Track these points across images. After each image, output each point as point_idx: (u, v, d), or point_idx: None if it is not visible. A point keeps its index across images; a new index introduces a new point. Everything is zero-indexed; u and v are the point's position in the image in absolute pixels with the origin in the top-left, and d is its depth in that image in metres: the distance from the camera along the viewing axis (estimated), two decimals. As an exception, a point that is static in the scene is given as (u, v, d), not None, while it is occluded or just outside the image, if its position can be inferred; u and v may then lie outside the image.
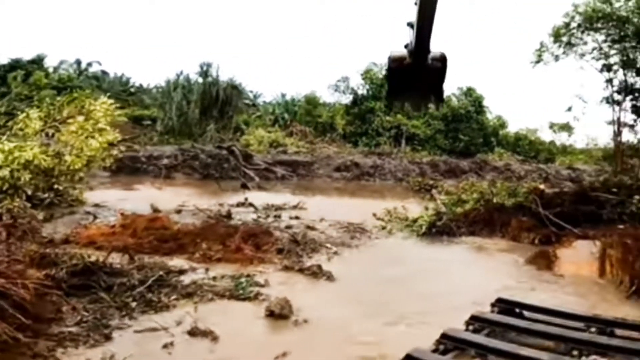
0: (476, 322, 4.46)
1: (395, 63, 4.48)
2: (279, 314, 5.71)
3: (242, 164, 21.25)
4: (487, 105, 33.75)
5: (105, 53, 66.63)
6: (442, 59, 4.69)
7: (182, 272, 6.98)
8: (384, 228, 11.61)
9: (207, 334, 5.01)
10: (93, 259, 6.37)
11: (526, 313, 4.81)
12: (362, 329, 5.47)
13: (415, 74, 4.57)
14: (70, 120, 12.24)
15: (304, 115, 34.21)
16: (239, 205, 13.57)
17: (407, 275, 7.94)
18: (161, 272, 6.45)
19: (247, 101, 37.30)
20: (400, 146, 29.50)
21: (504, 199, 12.15)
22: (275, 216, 12.20)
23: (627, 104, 13.73)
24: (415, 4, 3.82)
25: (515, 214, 11.47)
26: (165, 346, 4.81)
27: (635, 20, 14.59)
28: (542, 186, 12.73)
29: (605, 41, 15.28)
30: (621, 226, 9.39)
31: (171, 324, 5.28)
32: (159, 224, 8.68)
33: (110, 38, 57.10)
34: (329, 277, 7.54)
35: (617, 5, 15.80)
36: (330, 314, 6.00)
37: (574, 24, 16.45)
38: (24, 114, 12.26)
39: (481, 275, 8.41)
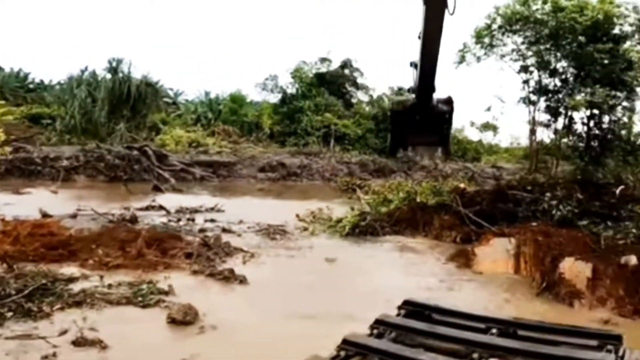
0: (381, 325, 4.56)
1: (398, 106, 4.48)
2: (182, 321, 5.62)
3: (156, 165, 20.54)
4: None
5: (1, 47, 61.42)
6: (449, 102, 4.73)
7: (71, 280, 6.66)
8: (306, 229, 11.77)
9: (95, 344, 4.82)
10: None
11: (434, 315, 5.01)
12: (269, 333, 5.55)
13: (421, 117, 4.55)
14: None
15: (228, 114, 34.06)
16: (148, 208, 13.12)
17: (325, 276, 8.17)
18: (44, 281, 6.05)
19: (166, 99, 36.38)
20: (329, 146, 30.10)
21: (428, 198, 12.79)
22: (188, 219, 11.97)
23: (542, 104, 15.08)
24: (419, 37, 3.80)
25: (437, 212, 12.11)
26: (45, 357, 4.58)
27: (551, 23, 16.03)
28: (462, 185, 13.54)
29: (523, 43, 16.63)
30: (534, 223, 10.21)
31: (54, 333, 5.02)
32: (46, 230, 8.14)
33: (9, 31, 52.87)
34: (242, 281, 7.56)
35: (534, 8, 17.31)
36: (239, 318, 6.03)
37: (495, 26, 17.77)
38: None
39: (402, 274, 8.80)
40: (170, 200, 14.44)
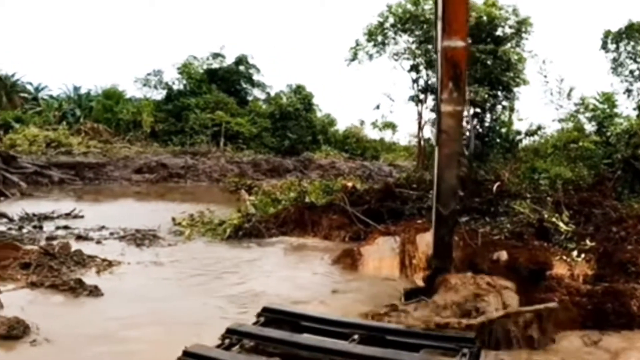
0: (234, 335, 4.34)
1: None
2: (6, 335, 5.13)
3: (2, 168, 18.37)
4: (317, 104, 35.95)
5: None
6: None
7: None
8: (181, 233, 11.14)
9: None
10: None
11: (296, 322, 4.87)
12: (111, 345, 5.21)
13: None
14: None
15: (101, 111, 32.21)
16: (-19, 216, 11.57)
17: (190, 283, 7.75)
18: None
19: (23, 94, 33.34)
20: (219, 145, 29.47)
21: (319, 197, 12.78)
22: (35, 227, 10.73)
23: (430, 102, 15.90)
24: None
25: (326, 212, 12.14)
26: None
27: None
28: (350, 183, 13.76)
29: (413, 42, 17.41)
30: (419, 221, 10.58)
31: None
32: None
33: None
34: (92, 291, 6.94)
35: (426, 7, 18.23)
36: (83, 331, 5.57)
37: (387, 24, 18.44)
38: None
39: (282, 277, 8.58)
40: (18, 206, 12.98)
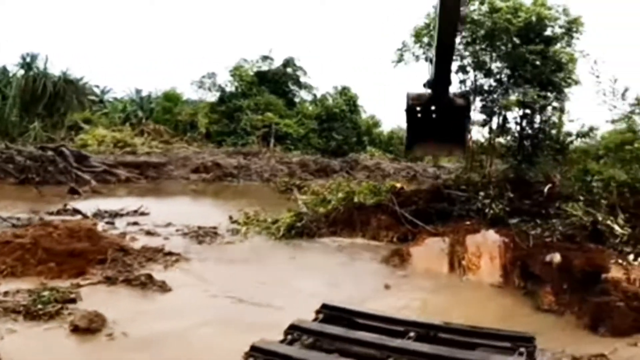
0: (295, 331, 4.54)
1: (414, 101, 4.42)
2: (86, 329, 5.45)
3: (74, 167, 19.58)
4: (362, 105, 36.08)
5: None
6: (466, 96, 4.73)
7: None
8: (238, 231, 11.60)
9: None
10: None
11: (353, 319, 5.00)
12: (185, 341, 5.46)
13: (437, 111, 4.54)
14: None
15: (161, 113, 33.46)
16: (59, 212, 12.45)
17: (252, 281, 8.07)
18: None
19: (91, 97, 35.10)
20: (270, 146, 30.06)
21: (367, 197, 12.96)
22: (107, 222, 11.45)
23: (478, 104, 15.69)
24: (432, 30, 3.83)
25: (375, 212, 12.32)
26: None
27: (487, 24, 16.74)
28: (398, 184, 13.88)
29: (460, 43, 17.23)
30: (468, 222, 10.62)
31: None
32: None
33: None
34: (161, 286, 7.36)
35: (472, 8, 18.01)
36: (154, 326, 5.89)
37: (433, 25, 18.31)
38: None
39: (335, 276, 8.85)
40: (90, 203, 13.85)
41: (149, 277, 7.52)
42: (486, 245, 9.37)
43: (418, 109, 4.76)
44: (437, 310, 7.36)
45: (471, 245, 9.55)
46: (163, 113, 33.34)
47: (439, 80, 4.48)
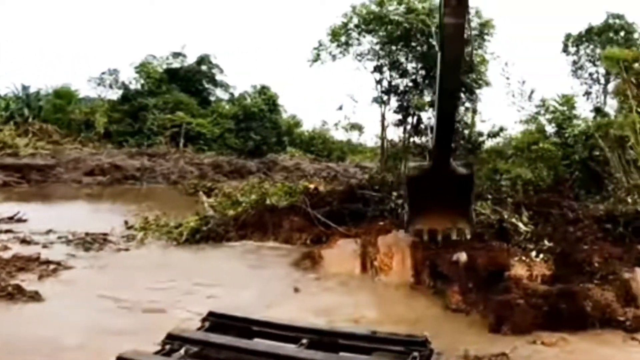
0: (175, 340, 4.08)
1: (414, 171, 3.88)
2: None
3: None
4: (282, 104, 35.62)
5: None
6: (470, 166, 4.21)
7: None
8: (135, 237, 10.68)
9: None
10: None
11: (245, 327, 4.68)
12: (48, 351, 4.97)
13: (439, 182, 3.98)
14: None
15: (51, 111, 30.90)
16: None
17: (143, 289, 7.34)
18: None
19: None
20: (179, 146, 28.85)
21: (280, 199, 12.50)
22: (-27, 231, 10.08)
23: (394, 103, 15.89)
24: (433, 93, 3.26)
25: (288, 214, 11.86)
26: None
27: (403, 24, 16.98)
28: (312, 185, 13.55)
29: (377, 43, 17.36)
30: (381, 223, 10.46)
31: None
32: None
33: None
34: (33, 297, 6.63)
35: (390, 8, 18.22)
36: (12, 340, 5.22)
37: (351, 25, 18.33)
38: None
39: (240, 281, 8.31)
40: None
41: (18, 287, 6.76)
42: (398, 245, 9.20)
43: (418, 180, 4.42)
44: (346, 312, 7.03)
45: (383, 246, 9.35)
46: (54, 112, 30.86)
47: (440, 149, 4.13)
